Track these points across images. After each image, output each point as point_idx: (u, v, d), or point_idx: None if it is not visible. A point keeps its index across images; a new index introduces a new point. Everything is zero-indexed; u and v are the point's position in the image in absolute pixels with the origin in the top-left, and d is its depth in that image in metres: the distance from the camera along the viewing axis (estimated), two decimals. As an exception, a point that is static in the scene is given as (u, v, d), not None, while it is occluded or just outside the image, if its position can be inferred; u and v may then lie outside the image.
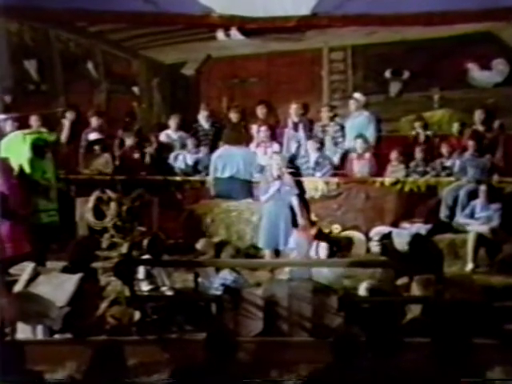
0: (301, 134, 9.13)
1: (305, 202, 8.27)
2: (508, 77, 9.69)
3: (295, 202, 8.04)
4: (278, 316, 5.59)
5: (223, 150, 8.81)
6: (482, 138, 8.59)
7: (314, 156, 8.72)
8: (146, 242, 6.77)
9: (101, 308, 5.77)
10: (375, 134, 9.14)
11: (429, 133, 9.02)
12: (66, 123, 8.96)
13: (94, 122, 9.14)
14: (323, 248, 7.25)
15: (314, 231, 7.72)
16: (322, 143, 8.80)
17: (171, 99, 10.67)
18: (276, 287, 5.74)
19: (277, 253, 7.94)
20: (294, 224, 7.93)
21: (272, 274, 7.01)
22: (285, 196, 8.04)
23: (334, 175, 8.69)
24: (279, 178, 8.10)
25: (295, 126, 9.18)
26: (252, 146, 9.12)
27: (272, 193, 8.05)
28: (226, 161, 8.67)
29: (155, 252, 6.67)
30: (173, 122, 9.39)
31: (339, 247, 7.60)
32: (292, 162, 8.80)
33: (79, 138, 9.04)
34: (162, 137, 9.38)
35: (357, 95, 9.37)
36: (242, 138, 9.05)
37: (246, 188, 8.67)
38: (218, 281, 6.33)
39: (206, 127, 9.43)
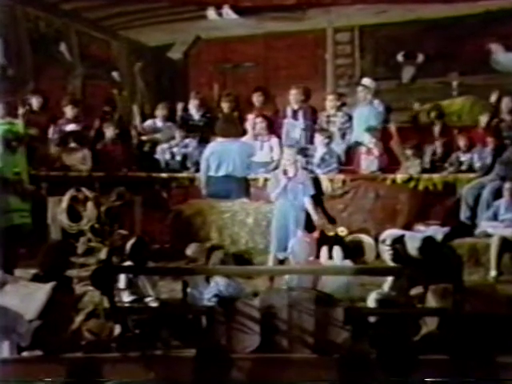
0: (301, 123, 9.12)
1: (320, 203, 8.27)
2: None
3: (308, 203, 8.02)
4: (276, 330, 5.57)
5: (216, 145, 8.79)
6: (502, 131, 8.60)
7: (320, 151, 8.71)
8: (127, 246, 6.75)
9: (76, 321, 5.74)
10: (385, 125, 9.14)
11: (441, 123, 9.02)
12: (21, 111, 8.89)
13: (69, 111, 9.13)
14: (338, 251, 7.26)
15: (316, 234, 7.71)
16: (330, 137, 8.78)
17: (156, 86, 10.68)
18: (274, 297, 5.72)
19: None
20: (308, 227, 7.91)
21: (271, 283, 7.01)
22: (295, 195, 8.02)
23: (340, 171, 8.68)
24: (285, 173, 8.06)
25: (294, 115, 9.18)
26: (247, 139, 9.11)
27: (279, 190, 8.03)
28: (221, 158, 8.65)
29: (138, 258, 6.64)
30: (160, 112, 9.38)
31: (352, 252, 7.58)
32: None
33: (48, 130, 9.03)
34: (148, 123, 9.35)
35: (366, 81, 9.37)
36: (237, 129, 9.03)
37: (243, 187, 8.67)
38: (208, 291, 6.32)
39: (195, 118, 9.44)
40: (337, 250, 7.24)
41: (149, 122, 9.45)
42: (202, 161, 8.74)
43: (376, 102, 9.19)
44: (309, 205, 8.03)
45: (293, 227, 7.87)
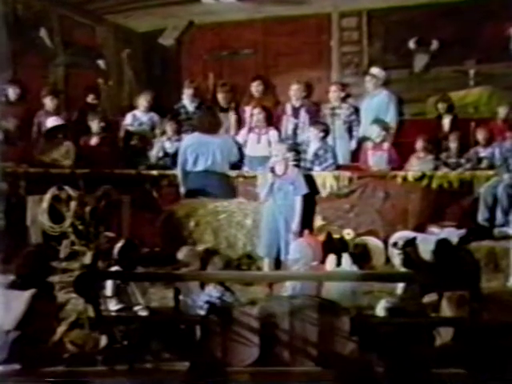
0: (303, 121, 9.12)
1: (312, 203, 8.25)
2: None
3: (298, 203, 7.97)
4: (276, 341, 5.57)
5: (195, 136, 8.76)
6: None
7: (314, 146, 8.69)
8: (115, 250, 6.75)
9: (58, 332, 5.73)
10: (396, 118, 9.14)
11: (451, 116, 9.00)
12: None
13: (49, 103, 9.13)
14: (347, 259, 7.25)
15: (321, 237, 7.70)
16: (326, 131, 8.77)
17: (146, 75, 10.67)
18: (275, 306, 5.71)
19: (278, 263, 7.90)
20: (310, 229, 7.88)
21: (270, 290, 7.01)
22: (285, 195, 7.98)
23: (347, 168, 8.68)
24: (272, 171, 8.02)
25: (295, 112, 9.17)
26: (243, 132, 9.12)
27: (267, 190, 8.01)
28: (198, 151, 8.60)
29: (126, 263, 6.64)
30: (143, 100, 9.39)
31: (359, 257, 7.57)
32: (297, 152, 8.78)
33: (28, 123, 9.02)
34: (128, 119, 9.38)
35: (375, 70, 9.37)
36: (218, 124, 8.98)
37: (225, 184, 8.64)
38: (203, 298, 6.31)
39: (189, 109, 9.44)
40: (346, 258, 7.22)
41: (128, 116, 9.45)
42: (179, 154, 8.70)
43: (386, 92, 9.18)
44: (298, 205, 7.96)
45: (283, 231, 7.86)
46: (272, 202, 7.99)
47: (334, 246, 7.57)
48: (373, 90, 9.20)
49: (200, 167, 8.61)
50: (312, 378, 5.41)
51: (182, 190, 8.65)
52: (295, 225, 7.83)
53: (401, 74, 9.96)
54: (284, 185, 7.99)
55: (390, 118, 9.09)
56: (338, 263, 7.21)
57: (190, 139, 8.75)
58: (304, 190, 8.02)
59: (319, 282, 6.60)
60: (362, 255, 7.79)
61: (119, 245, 6.75)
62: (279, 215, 7.93)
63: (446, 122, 9.01)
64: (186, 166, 8.63)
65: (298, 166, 8.38)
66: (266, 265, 7.93)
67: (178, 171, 8.67)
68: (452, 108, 9.13)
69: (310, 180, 8.23)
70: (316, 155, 8.63)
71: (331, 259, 7.24)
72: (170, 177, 8.78)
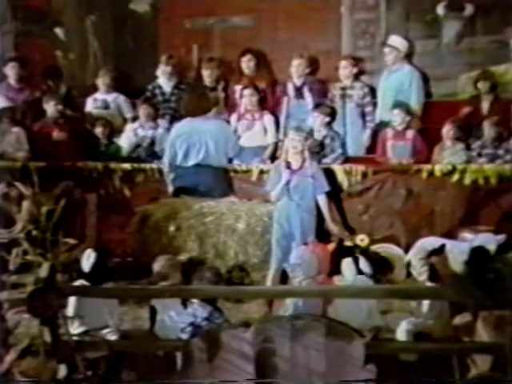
0: (308, 102, 9.15)
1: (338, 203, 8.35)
2: None
3: (323, 202, 8.04)
4: (274, 370, 5.58)
5: (184, 124, 8.82)
6: None
7: (319, 134, 8.72)
8: (83, 260, 6.74)
9: (6, 361, 5.72)
10: (421, 100, 9.14)
11: (492, 96, 9.03)
12: None
13: (11, 72, 9.25)
14: (364, 264, 7.27)
15: (332, 246, 7.71)
16: (332, 114, 8.80)
17: (115, 48, 10.63)
18: (272, 328, 5.71)
19: (285, 277, 7.87)
20: (319, 235, 7.94)
21: (269, 309, 7.01)
22: (302, 193, 8.01)
23: (360, 161, 8.70)
24: (288, 166, 8.05)
25: (298, 92, 9.20)
26: (233, 118, 9.15)
27: (281, 188, 8.01)
28: (189, 142, 8.65)
29: (92, 276, 6.64)
30: (101, 81, 9.50)
31: (376, 268, 7.59)
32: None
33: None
34: (89, 104, 9.47)
35: (394, 40, 9.36)
36: (209, 104, 8.97)
37: (222, 180, 8.68)
38: (185, 319, 6.33)
39: (166, 90, 9.48)
40: (362, 262, 7.25)
41: (90, 99, 9.54)
42: (167, 147, 8.74)
43: (408, 67, 9.19)
44: (323, 206, 8.04)
45: (299, 235, 7.89)
46: (286, 203, 8.02)
47: (344, 255, 7.57)
48: (393, 64, 9.20)
49: (191, 161, 8.65)
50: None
51: (170, 188, 8.68)
52: (330, 227, 8.01)
53: (427, 45, 9.90)
54: (301, 182, 8.02)
55: (414, 99, 9.09)
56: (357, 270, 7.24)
57: (179, 128, 8.79)
58: (327, 186, 8.09)
59: (326, 299, 6.61)
60: (378, 266, 7.79)
61: (91, 260, 6.73)
62: (295, 218, 7.95)
63: (486, 104, 9.00)
64: (175, 161, 8.66)
65: (316, 158, 8.41)
66: (271, 277, 7.93)
67: (164, 167, 8.69)
68: (495, 87, 9.13)
69: (329, 175, 8.28)
70: (323, 145, 8.65)
71: (347, 264, 7.26)
72: (146, 171, 8.79)
